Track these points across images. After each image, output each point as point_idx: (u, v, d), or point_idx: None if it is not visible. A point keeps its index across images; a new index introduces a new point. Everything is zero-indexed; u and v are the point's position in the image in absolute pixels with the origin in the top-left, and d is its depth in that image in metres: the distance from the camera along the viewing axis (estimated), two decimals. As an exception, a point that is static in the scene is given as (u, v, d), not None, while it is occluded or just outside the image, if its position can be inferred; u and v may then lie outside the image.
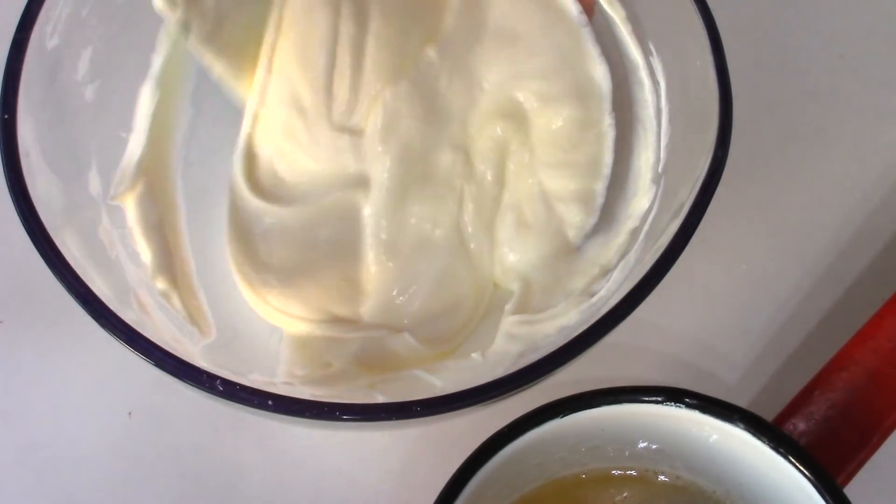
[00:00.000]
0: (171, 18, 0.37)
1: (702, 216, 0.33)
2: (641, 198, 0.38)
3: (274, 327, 0.38)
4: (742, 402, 0.37)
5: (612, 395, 0.31)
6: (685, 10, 0.36)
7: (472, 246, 0.39)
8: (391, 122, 0.38)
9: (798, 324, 0.41)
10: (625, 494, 0.34)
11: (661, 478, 0.34)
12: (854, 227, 0.43)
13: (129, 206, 0.38)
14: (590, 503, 0.34)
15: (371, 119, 0.38)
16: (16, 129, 0.33)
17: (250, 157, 0.40)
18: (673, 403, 0.31)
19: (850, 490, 0.31)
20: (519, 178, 0.39)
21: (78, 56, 0.37)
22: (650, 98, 0.39)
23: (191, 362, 0.31)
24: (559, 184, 0.39)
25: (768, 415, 0.35)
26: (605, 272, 0.37)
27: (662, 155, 0.38)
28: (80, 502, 0.38)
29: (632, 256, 0.36)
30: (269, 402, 0.30)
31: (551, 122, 0.39)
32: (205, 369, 0.31)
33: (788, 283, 0.42)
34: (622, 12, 0.39)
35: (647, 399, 0.31)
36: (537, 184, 0.39)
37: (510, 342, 0.36)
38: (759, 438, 0.31)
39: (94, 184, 0.37)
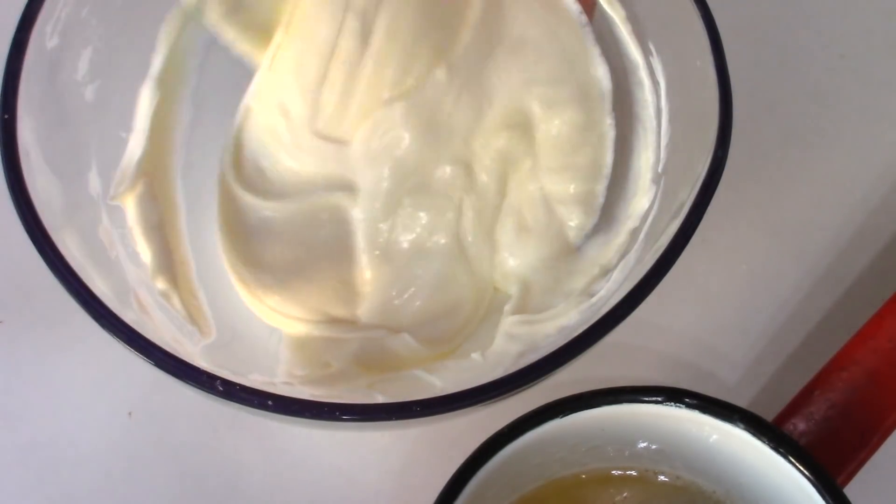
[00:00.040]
0: None
1: (702, 216, 0.33)
2: (641, 198, 0.38)
3: (273, 328, 0.38)
4: (742, 402, 0.37)
5: (612, 395, 0.31)
6: (685, 10, 0.36)
7: (471, 252, 0.38)
8: (380, 138, 0.38)
9: (798, 324, 0.41)
10: (625, 494, 0.34)
11: (661, 478, 0.34)
12: (854, 227, 0.43)
13: (129, 206, 0.38)
14: (590, 503, 0.34)
15: (359, 133, 0.38)
16: (16, 129, 0.33)
17: (238, 148, 0.40)
18: (673, 403, 0.31)
19: (850, 490, 0.31)
20: (521, 185, 0.39)
21: (78, 56, 0.37)
22: (650, 98, 0.39)
23: (191, 362, 0.31)
24: (560, 187, 0.39)
25: (768, 415, 0.35)
26: (605, 272, 0.37)
27: (662, 155, 0.38)
28: (80, 502, 0.38)
29: (632, 256, 0.36)
30: (269, 402, 0.30)
31: (555, 126, 0.39)
32: (205, 369, 0.31)
33: (788, 283, 0.42)
34: (622, 12, 0.39)
35: (647, 399, 0.31)
36: (539, 189, 0.39)
37: (510, 342, 0.36)
38: (759, 438, 0.31)
39: (94, 184, 0.37)
